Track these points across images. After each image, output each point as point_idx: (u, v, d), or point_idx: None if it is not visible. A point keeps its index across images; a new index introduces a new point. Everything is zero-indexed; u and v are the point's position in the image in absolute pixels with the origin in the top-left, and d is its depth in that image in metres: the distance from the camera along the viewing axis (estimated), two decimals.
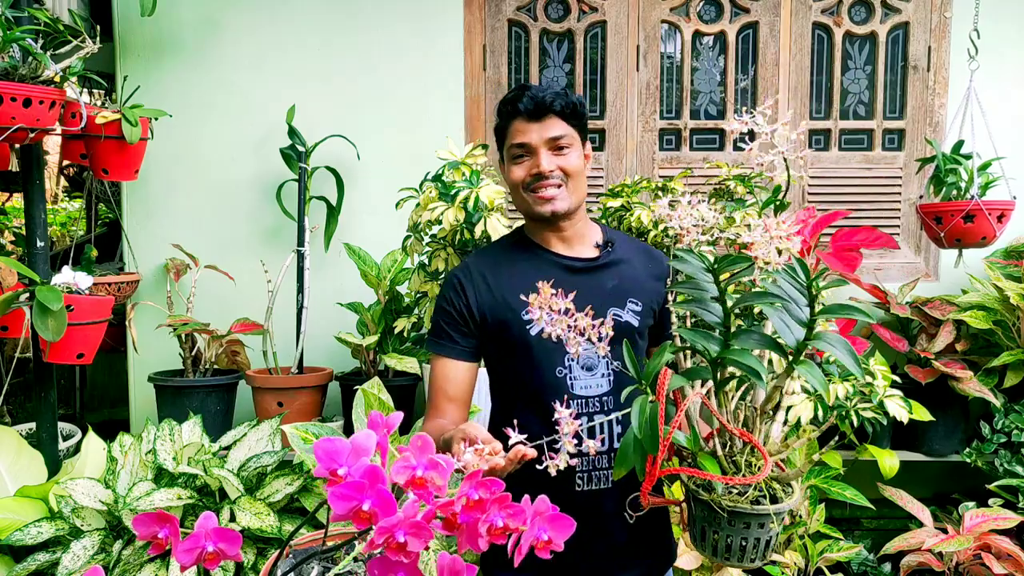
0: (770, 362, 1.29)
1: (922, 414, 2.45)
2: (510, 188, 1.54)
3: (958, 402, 2.66)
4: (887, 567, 2.69)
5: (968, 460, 2.62)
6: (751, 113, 1.19)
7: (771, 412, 1.22)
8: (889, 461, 2.49)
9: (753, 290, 1.18)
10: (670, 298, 1.60)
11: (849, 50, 3.02)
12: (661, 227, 2.34)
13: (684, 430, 1.19)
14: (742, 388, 1.27)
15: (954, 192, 2.52)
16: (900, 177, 3.01)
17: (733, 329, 1.15)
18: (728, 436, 1.21)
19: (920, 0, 2.96)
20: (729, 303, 1.14)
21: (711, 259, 1.16)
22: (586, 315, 1.11)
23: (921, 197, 2.73)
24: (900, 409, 2.31)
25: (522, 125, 1.49)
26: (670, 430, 1.12)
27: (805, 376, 1.10)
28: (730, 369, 1.19)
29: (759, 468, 1.17)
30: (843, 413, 2.37)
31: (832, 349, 1.09)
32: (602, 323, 1.11)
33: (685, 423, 1.20)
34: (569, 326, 1.09)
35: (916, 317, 2.73)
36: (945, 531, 2.40)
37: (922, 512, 2.49)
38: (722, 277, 1.14)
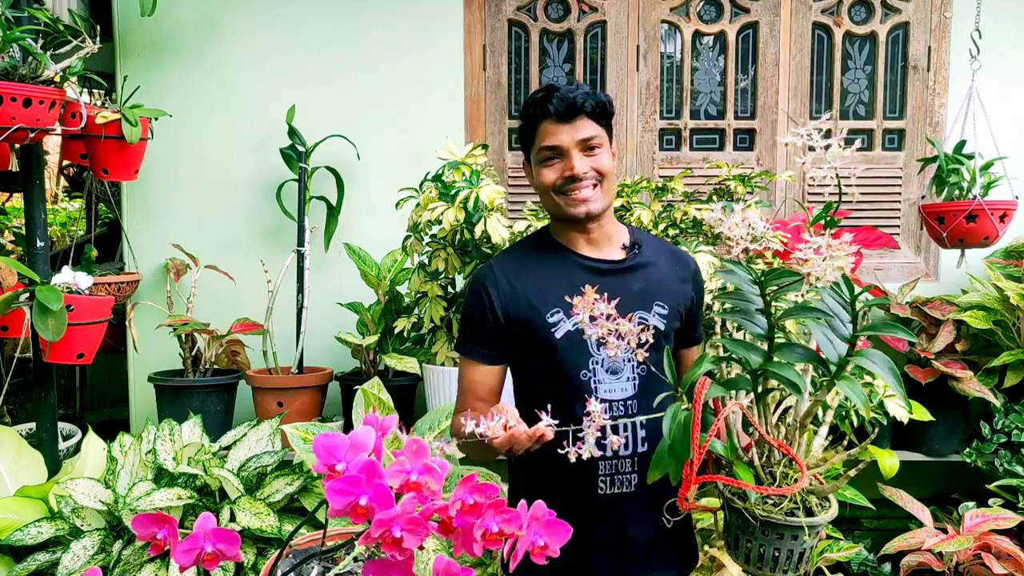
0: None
1: (922, 414, 2.45)
2: (538, 191, 1.52)
3: (958, 402, 2.66)
4: (887, 567, 2.69)
5: (968, 460, 2.62)
6: (803, 125, 1.17)
7: (812, 425, 1.22)
8: (889, 461, 2.49)
9: (797, 304, 1.19)
10: (711, 303, 1.60)
11: (849, 50, 3.02)
12: (662, 227, 2.34)
13: (722, 439, 1.19)
14: (783, 401, 1.26)
15: (956, 192, 2.52)
16: (900, 177, 3.01)
17: (777, 342, 1.15)
18: (767, 447, 1.21)
19: (920, 0, 2.96)
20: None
21: (758, 272, 1.16)
22: (628, 320, 1.11)
23: (923, 197, 2.73)
24: (900, 409, 2.31)
25: (552, 127, 1.46)
26: (707, 438, 1.12)
27: (846, 392, 1.10)
28: (771, 381, 1.19)
29: (797, 480, 1.17)
30: (843, 413, 2.37)
31: (874, 367, 1.09)
32: (643, 329, 1.11)
33: (723, 432, 1.20)
34: (610, 330, 1.09)
35: (916, 317, 2.73)
36: (945, 531, 2.40)
37: (922, 512, 2.49)
38: (768, 290, 1.15)
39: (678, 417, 1.12)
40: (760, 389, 1.18)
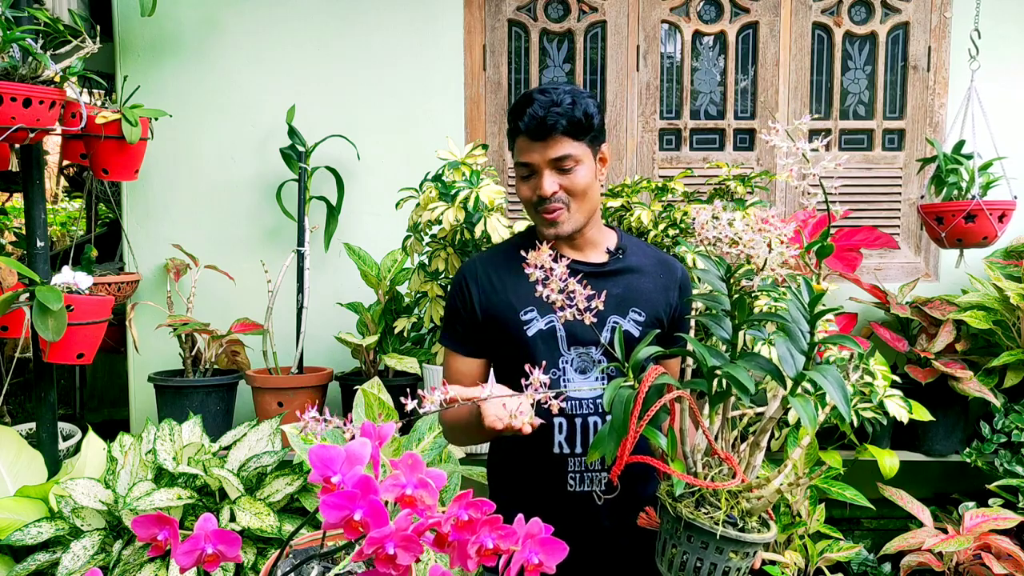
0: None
1: (922, 414, 2.45)
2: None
3: (958, 402, 2.66)
4: (887, 567, 2.69)
5: (968, 460, 2.62)
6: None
7: (762, 443, 1.19)
8: (889, 461, 2.49)
9: (762, 313, 1.17)
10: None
11: (849, 50, 3.01)
12: (662, 227, 2.33)
13: (678, 438, 1.18)
14: (738, 417, 1.24)
15: (955, 192, 2.52)
16: (900, 177, 3.01)
17: (741, 351, 1.14)
18: (717, 461, 1.18)
19: (920, 0, 2.96)
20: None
21: (725, 266, 1.15)
22: (581, 282, 1.13)
23: (922, 197, 2.73)
24: (900, 409, 2.31)
25: (525, 143, 1.44)
26: (643, 421, 1.10)
27: (797, 411, 1.07)
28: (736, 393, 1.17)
29: (748, 499, 1.13)
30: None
31: (826, 384, 1.07)
32: (594, 296, 1.12)
33: (677, 430, 1.19)
34: (560, 290, 1.12)
35: (916, 317, 2.73)
36: (945, 531, 2.40)
37: (922, 512, 2.49)
38: (734, 288, 1.14)
39: (621, 396, 1.11)
40: (714, 391, 1.16)
